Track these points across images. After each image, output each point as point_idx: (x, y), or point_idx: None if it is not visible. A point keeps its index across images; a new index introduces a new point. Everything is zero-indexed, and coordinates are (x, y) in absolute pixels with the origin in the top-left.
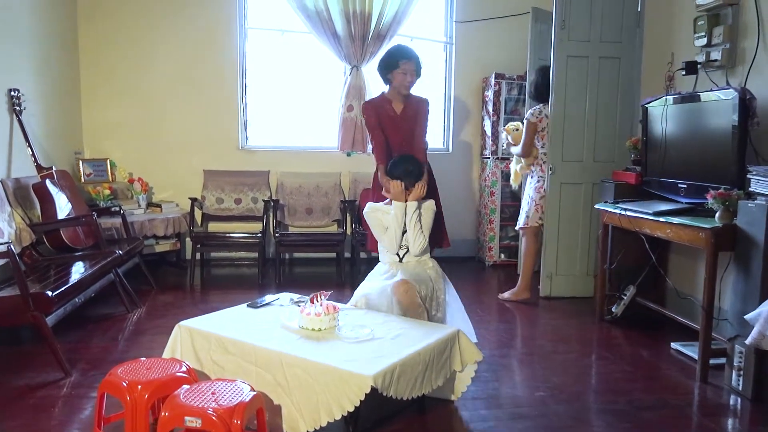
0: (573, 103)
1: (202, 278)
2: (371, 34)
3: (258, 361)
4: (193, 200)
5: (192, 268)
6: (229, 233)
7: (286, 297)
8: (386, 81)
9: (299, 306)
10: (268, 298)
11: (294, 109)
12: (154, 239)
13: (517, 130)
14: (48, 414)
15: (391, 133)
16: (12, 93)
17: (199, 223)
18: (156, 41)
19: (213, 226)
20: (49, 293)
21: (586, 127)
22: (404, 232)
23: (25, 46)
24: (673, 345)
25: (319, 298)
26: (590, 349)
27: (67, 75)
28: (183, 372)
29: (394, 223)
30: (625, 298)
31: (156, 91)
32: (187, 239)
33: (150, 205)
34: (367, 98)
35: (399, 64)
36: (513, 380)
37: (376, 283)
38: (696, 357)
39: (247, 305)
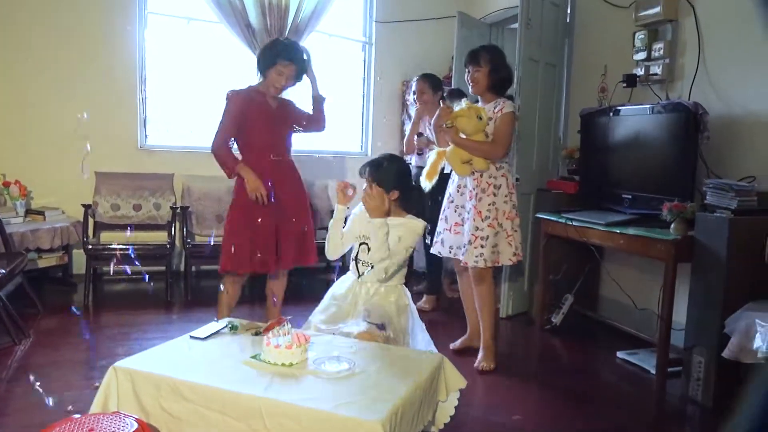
0: (530, 109)
1: (96, 297)
2: (288, 28)
3: (226, 408)
4: (87, 207)
5: (87, 285)
6: (128, 244)
7: (234, 323)
8: (261, 74)
9: (255, 335)
10: (213, 326)
11: (202, 105)
12: (36, 253)
13: (481, 118)
14: None
15: (264, 131)
16: None
17: (91, 233)
18: (38, 23)
19: (107, 236)
20: None
21: (535, 136)
22: (362, 244)
23: None
24: (619, 354)
25: (285, 326)
26: (543, 362)
27: None
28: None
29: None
30: (563, 307)
31: (33, 79)
32: (75, 252)
33: (29, 212)
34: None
35: (276, 63)
36: (482, 404)
37: (334, 312)
38: (643, 366)
39: (191, 336)
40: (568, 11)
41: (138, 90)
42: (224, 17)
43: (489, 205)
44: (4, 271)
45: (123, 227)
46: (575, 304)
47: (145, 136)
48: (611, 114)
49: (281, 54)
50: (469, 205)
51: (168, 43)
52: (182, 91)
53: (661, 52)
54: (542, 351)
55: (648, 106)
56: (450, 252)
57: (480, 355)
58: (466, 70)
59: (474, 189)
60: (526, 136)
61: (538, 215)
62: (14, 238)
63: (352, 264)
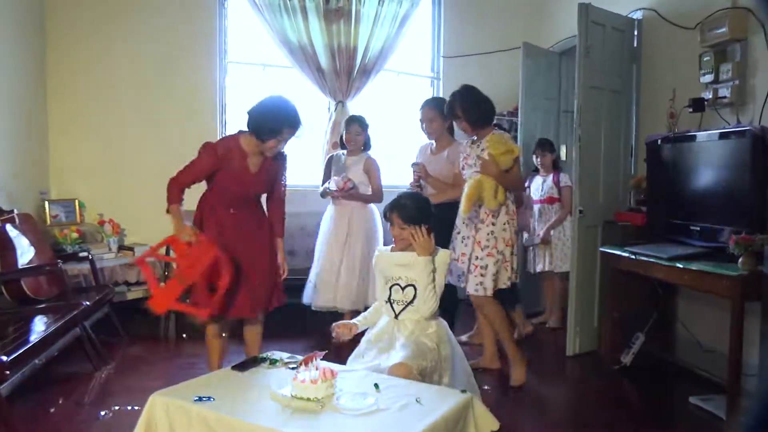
0: (593, 138)
1: (177, 327)
2: (357, 68)
3: None
4: None
5: (166, 317)
6: None
7: (275, 357)
8: (259, 138)
9: (291, 369)
10: (254, 359)
11: None
12: (125, 286)
13: (511, 153)
14: None
15: (233, 192)
16: None
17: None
18: (129, 75)
19: None
20: (4, 359)
21: (601, 166)
22: (393, 285)
23: None
24: (692, 399)
25: (314, 361)
26: (609, 406)
27: (33, 112)
28: None
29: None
30: (633, 346)
31: (129, 127)
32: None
33: (121, 248)
34: None
35: (283, 132)
36: None
37: (373, 355)
38: (716, 413)
39: (232, 368)
40: (635, 34)
41: (219, 133)
42: (296, 62)
43: (488, 234)
44: (88, 303)
45: None
46: (647, 344)
47: None
48: (676, 141)
49: (290, 123)
50: (469, 234)
51: (245, 88)
52: None
53: (730, 74)
54: (608, 393)
55: (715, 131)
56: (459, 280)
57: (511, 372)
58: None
59: (473, 219)
60: (591, 166)
61: (602, 249)
62: (105, 273)
63: (386, 306)
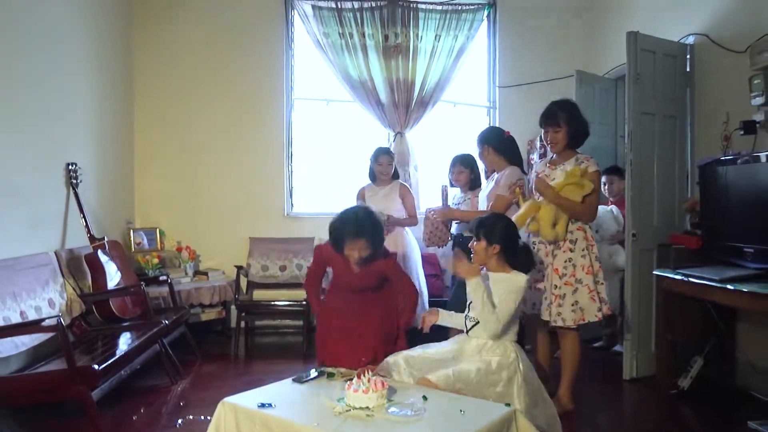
0: (646, 163)
1: (247, 347)
2: (414, 101)
3: None
4: (239, 268)
5: (236, 337)
6: (273, 301)
7: (333, 371)
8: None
9: (346, 381)
10: (315, 371)
11: (338, 175)
12: (200, 307)
13: (580, 188)
14: None
15: (343, 281)
16: (70, 167)
17: (245, 290)
18: (206, 112)
19: (258, 294)
20: (96, 367)
21: (655, 190)
22: (470, 302)
23: (85, 124)
24: (750, 424)
25: (366, 374)
26: (662, 431)
27: (123, 148)
28: None
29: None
30: (691, 370)
31: (205, 160)
32: (232, 307)
33: (197, 273)
34: (412, 163)
35: (346, 245)
36: None
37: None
38: None
39: (293, 380)
40: (687, 59)
41: (285, 165)
42: (357, 97)
43: (566, 261)
44: (167, 322)
45: (271, 286)
46: (706, 368)
47: (291, 205)
48: (727, 163)
49: (351, 234)
50: (547, 261)
51: (310, 122)
52: (322, 163)
53: None
54: (662, 418)
55: (764, 153)
56: (533, 308)
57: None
58: (544, 131)
59: (550, 245)
60: (644, 190)
61: (655, 272)
62: (182, 295)
63: (464, 320)
